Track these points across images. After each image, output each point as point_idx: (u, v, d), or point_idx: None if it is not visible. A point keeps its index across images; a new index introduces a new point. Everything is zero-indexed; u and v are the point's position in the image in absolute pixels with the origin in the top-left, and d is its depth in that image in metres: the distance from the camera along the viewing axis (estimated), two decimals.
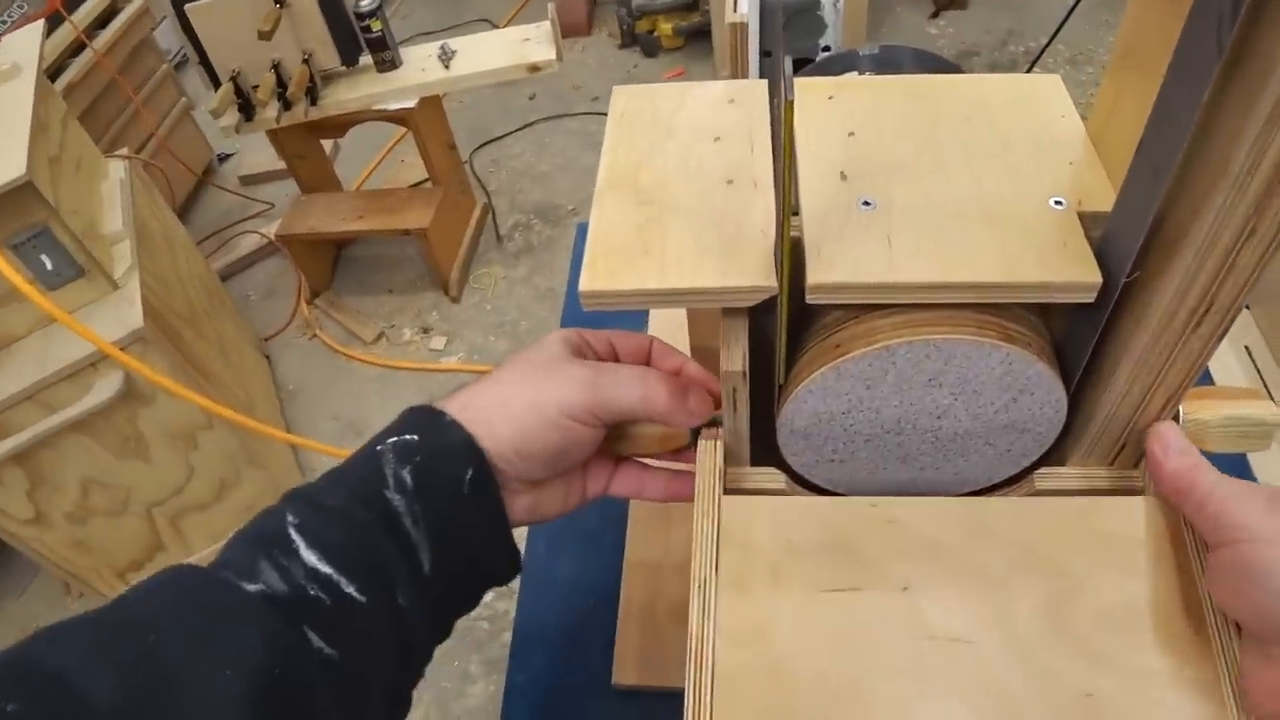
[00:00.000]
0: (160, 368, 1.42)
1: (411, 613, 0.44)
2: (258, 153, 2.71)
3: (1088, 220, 0.44)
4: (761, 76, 0.62)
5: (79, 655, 0.36)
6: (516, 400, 0.48)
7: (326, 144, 2.48)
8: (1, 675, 0.35)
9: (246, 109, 1.90)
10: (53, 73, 2.05)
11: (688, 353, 0.56)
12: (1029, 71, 2.18)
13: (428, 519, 0.45)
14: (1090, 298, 0.42)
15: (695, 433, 0.52)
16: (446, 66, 1.99)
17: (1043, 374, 0.45)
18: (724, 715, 0.42)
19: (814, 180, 0.47)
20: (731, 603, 0.45)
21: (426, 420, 0.47)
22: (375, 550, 0.43)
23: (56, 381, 1.37)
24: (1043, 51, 2.14)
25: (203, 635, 0.38)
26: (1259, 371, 0.80)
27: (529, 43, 2.02)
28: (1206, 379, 0.82)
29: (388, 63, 1.97)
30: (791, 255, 0.43)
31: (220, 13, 1.77)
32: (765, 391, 0.50)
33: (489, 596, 0.52)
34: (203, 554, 1.75)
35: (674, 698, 0.43)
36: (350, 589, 0.41)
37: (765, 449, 0.52)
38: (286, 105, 1.90)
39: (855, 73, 0.62)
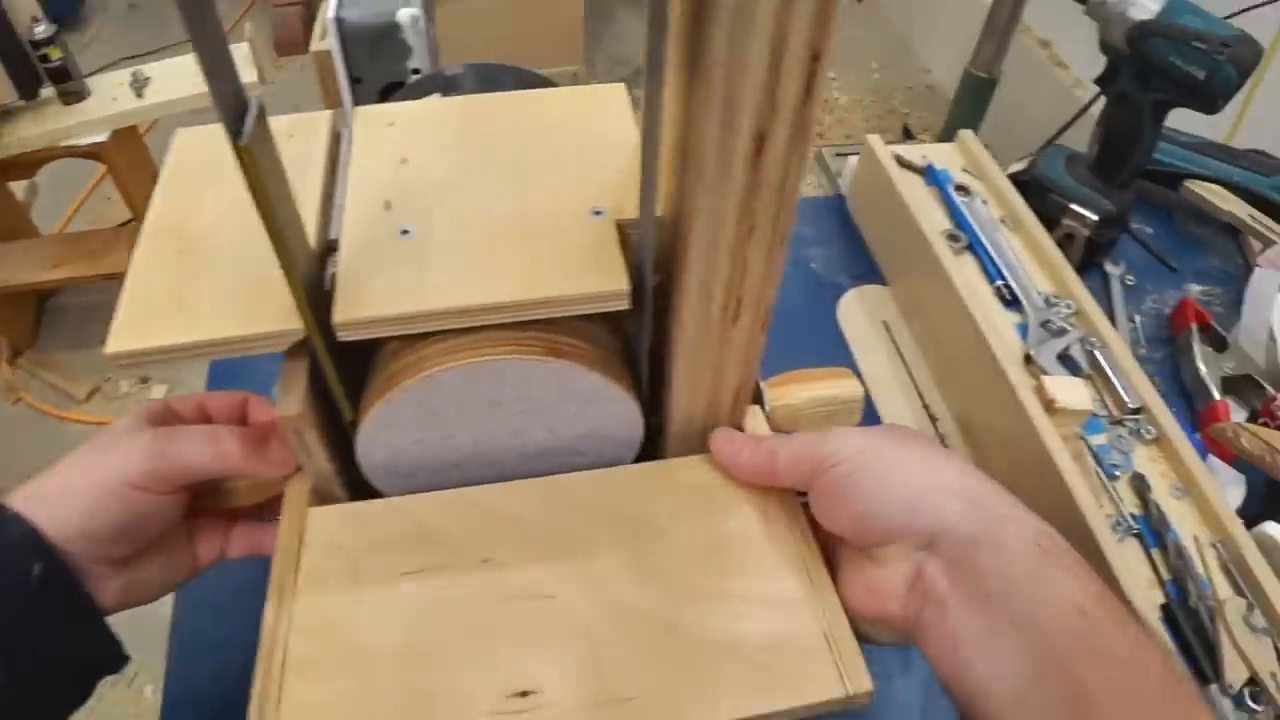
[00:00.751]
0: None
1: None
2: None
3: (629, 228, 0.45)
4: (356, 103, 0.60)
5: None
6: (77, 479, 0.45)
7: (18, 186, 2.27)
8: None
9: None
10: None
11: None
12: None
13: None
14: (623, 304, 0.43)
15: None
16: (140, 95, 1.87)
17: (600, 383, 0.46)
18: (293, 701, 0.41)
19: (357, 212, 0.46)
20: (309, 600, 0.44)
21: None
22: None
23: None
24: None
25: None
26: (895, 343, 0.86)
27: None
28: (845, 356, 0.87)
29: (73, 94, 1.83)
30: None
31: None
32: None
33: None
34: None
35: None
36: None
37: (367, 488, 0.51)
38: None
39: (440, 94, 0.62)
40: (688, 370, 0.46)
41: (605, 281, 0.42)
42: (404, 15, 0.66)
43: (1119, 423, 0.75)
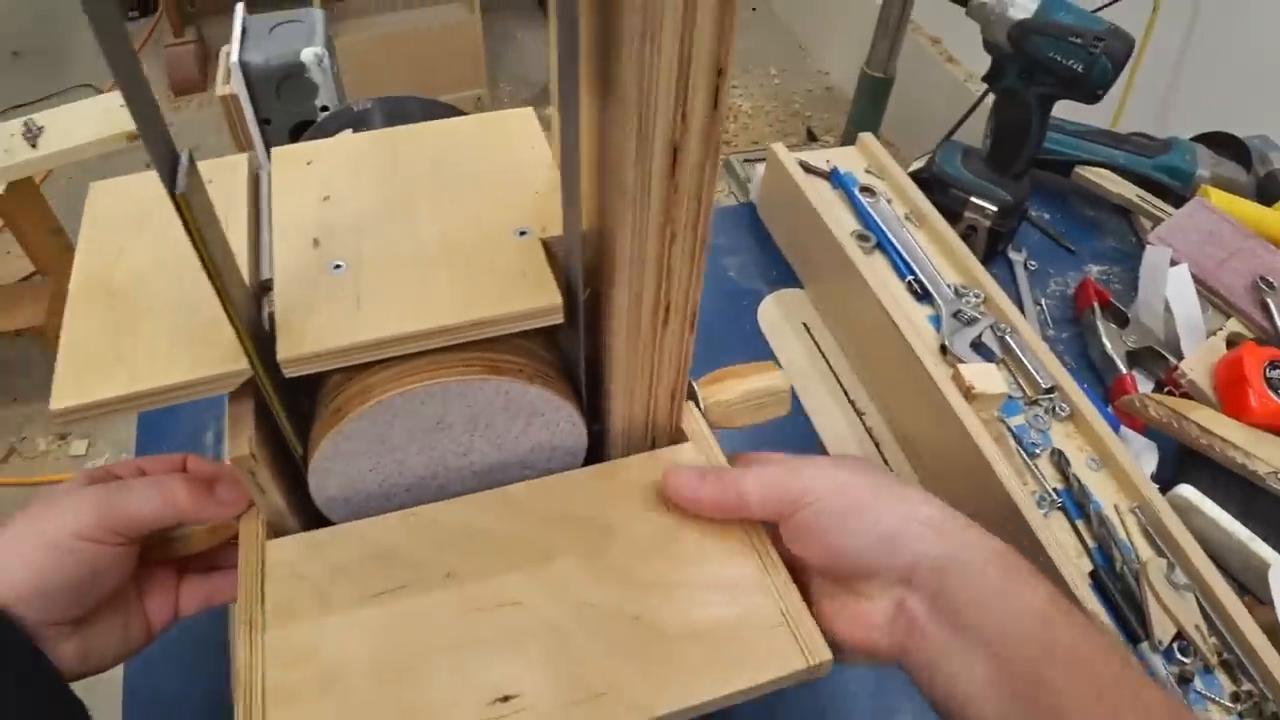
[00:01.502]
0: None
1: None
2: None
3: (555, 245, 0.47)
4: (267, 144, 0.61)
5: None
6: (25, 538, 0.45)
7: None
8: None
9: None
10: None
11: None
12: None
13: None
14: (558, 319, 0.45)
15: None
16: (33, 145, 1.81)
17: (542, 396, 0.47)
18: None
19: (286, 251, 0.46)
20: (280, 630, 0.45)
21: None
22: None
23: None
24: None
25: None
26: (816, 343, 0.88)
27: (125, 108, 1.88)
28: (768, 359, 0.89)
29: None
30: (274, 330, 0.43)
31: None
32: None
33: None
34: None
35: None
36: None
37: (322, 520, 0.51)
38: None
39: (351, 129, 0.63)
40: (624, 375, 0.48)
41: (538, 298, 0.44)
42: (308, 55, 0.66)
43: (1034, 403, 0.79)
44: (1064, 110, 0.95)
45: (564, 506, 0.50)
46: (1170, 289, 0.89)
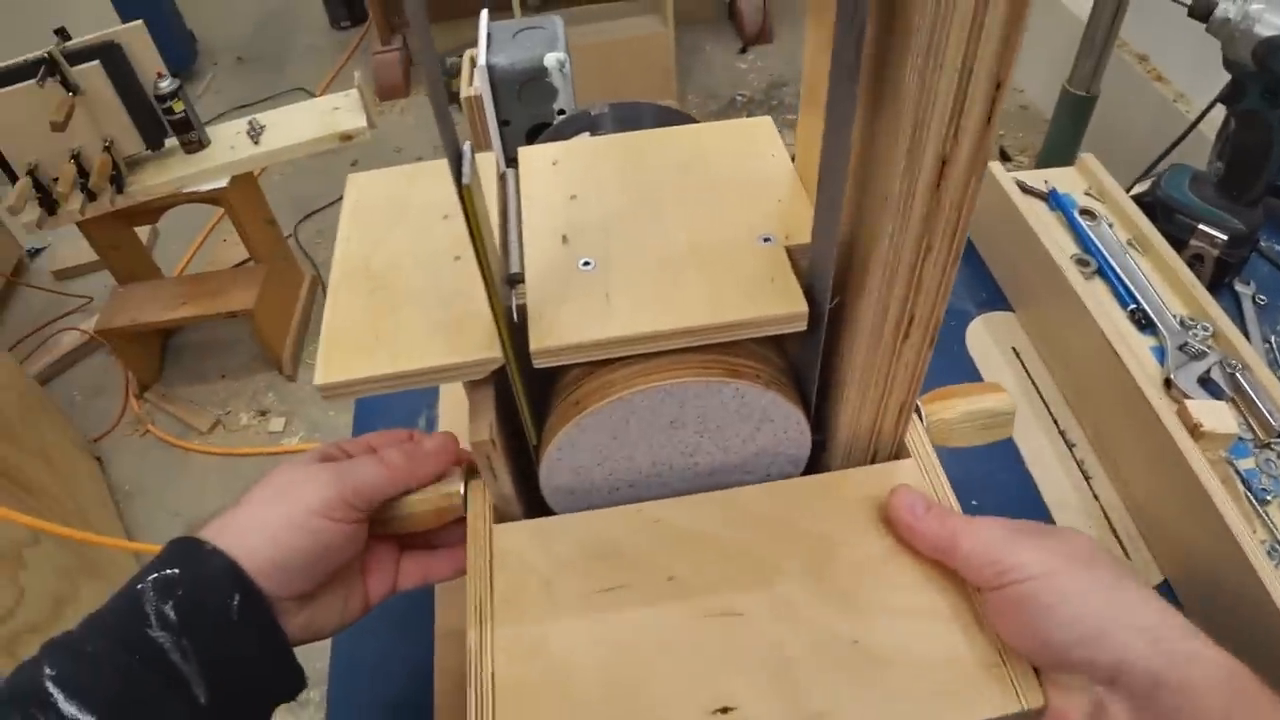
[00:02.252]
0: None
1: None
2: (70, 245, 2.59)
3: (797, 253, 0.47)
4: (505, 145, 0.63)
5: None
6: (267, 513, 0.48)
7: (142, 230, 2.39)
8: None
9: (48, 202, 1.81)
10: None
11: None
12: None
13: (199, 651, 0.44)
14: (802, 326, 0.45)
15: None
16: (256, 142, 1.95)
17: (775, 401, 0.47)
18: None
19: (536, 247, 0.48)
20: (508, 619, 0.46)
21: (186, 551, 0.46)
22: (141, 692, 0.42)
23: None
24: None
25: None
26: (1026, 370, 0.85)
27: (339, 111, 2.00)
28: (976, 377, 0.87)
29: (195, 143, 1.92)
30: (522, 321, 0.45)
31: (9, 104, 1.69)
32: (530, 452, 0.51)
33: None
34: None
35: None
36: None
37: (543, 507, 0.53)
38: (91, 195, 1.82)
39: (588, 133, 0.65)
40: (859, 386, 0.48)
41: (785, 304, 0.44)
42: (551, 60, 0.69)
43: (1267, 446, 0.74)
44: None
45: (787, 516, 0.50)
46: None
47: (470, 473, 0.52)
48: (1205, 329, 0.80)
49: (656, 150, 0.54)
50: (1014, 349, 0.89)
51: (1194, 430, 0.69)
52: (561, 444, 0.47)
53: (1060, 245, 0.86)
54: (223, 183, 2.02)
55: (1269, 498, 0.71)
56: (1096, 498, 0.77)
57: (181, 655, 0.43)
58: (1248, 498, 0.71)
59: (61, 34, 1.72)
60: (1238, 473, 0.72)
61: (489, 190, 0.53)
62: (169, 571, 0.45)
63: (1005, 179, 0.92)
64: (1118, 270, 0.85)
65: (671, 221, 0.49)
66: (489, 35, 0.68)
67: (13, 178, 1.77)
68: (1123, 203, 0.92)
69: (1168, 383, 0.77)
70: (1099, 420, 0.80)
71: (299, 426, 2.15)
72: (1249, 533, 0.63)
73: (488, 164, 0.55)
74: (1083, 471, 0.78)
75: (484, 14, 0.67)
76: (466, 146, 0.38)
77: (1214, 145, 0.94)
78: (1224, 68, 0.87)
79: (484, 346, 0.44)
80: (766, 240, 0.47)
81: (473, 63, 0.64)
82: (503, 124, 0.67)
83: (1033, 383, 0.85)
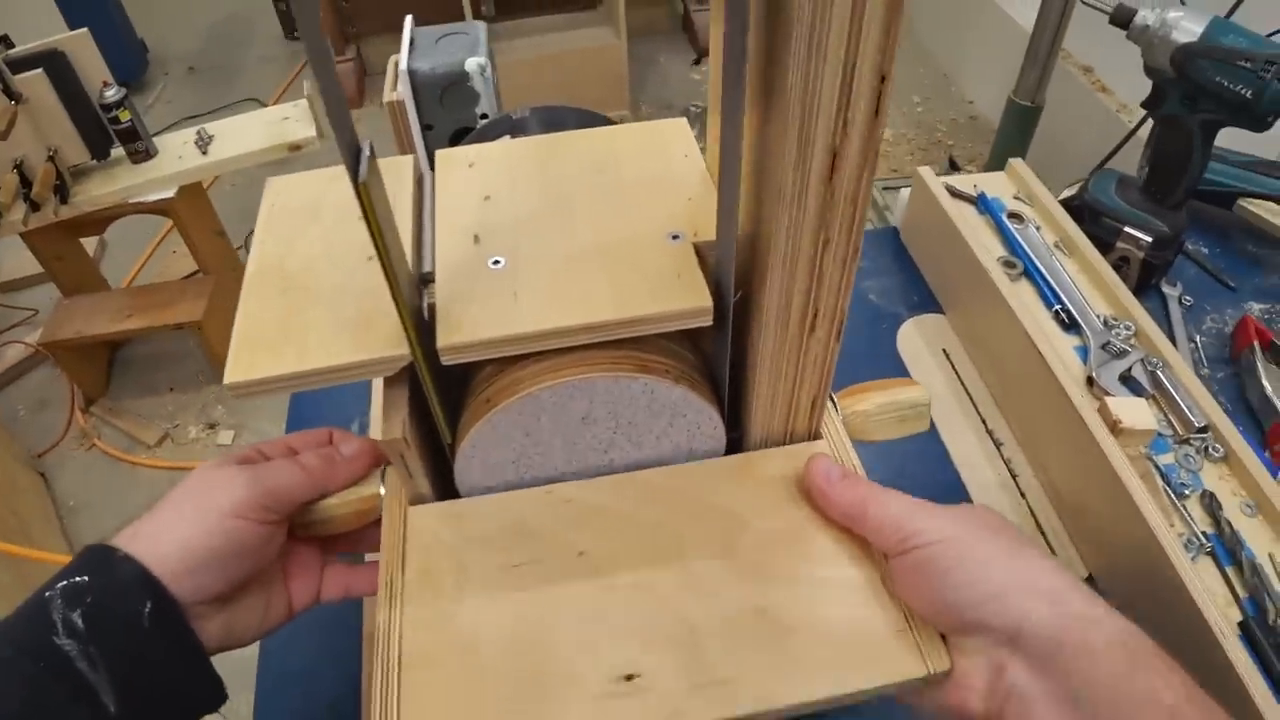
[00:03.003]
0: None
1: None
2: (14, 256, 2.54)
3: (705, 250, 0.48)
4: (428, 148, 0.63)
5: None
6: (180, 517, 0.47)
7: (90, 242, 2.37)
8: None
9: None
10: None
11: None
12: None
13: (107, 659, 0.43)
14: (708, 321, 0.46)
15: None
16: (204, 152, 1.94)
17: (686, 397, 0.48)
18: (413, 696, 0.43)
19: (448, 246, 0.48)
20: (419, 597, 0.47)
21: (97, 559, 0.46)
22: (46, 700, 0.42)
23: None
24: None
25: None
26: (956, 370, 0.87)
27: (288, 121, 1.99)
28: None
29: (141, 153, 1.90)
30: (433, 320, 0.45)
31: None
32: (446, 451, 0.51)
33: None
34: None
35: None
36: None
37: None
38: (34, 206, 1.80)
39: (510, 136, 0.66)
40: (768, 379, 0.48)
41: (691, 299, 0.45)
42: (472, 64, 0.69)
43: (1185, 442, 0.75)
44: (1227, 139, 0.91)
45: (698, 494, 0.51)
46: None
47: (387, 465, 0.52)
48: (1128, 328, 0.82)
49: (572, 151, 0.54)
50: (944, 350, 0.90)
51: (1114, 426, 0.71)
52: (475, 441, 0.48)
53: (987, 248, 0.87)
54: (170, 193, 2.00)
55: (1187, 492, 0.72)
56: (1023, 495, 0.78)
57: (89, 663, 0.43)
58: (1166, 492, 0.72)
59: (4, 41, 1.70)
60: (1157, 468, 0.74)
61: (406, 193, 0.53)
62: (78, 579, 0.44)
63: (935, 183, 0.94)
64: (1043, 272, 0.87)
65: (582, 221, 0.49)
66: (411, 40, 0.68)
67: None
68: (1050, 207, 0.94)
69: (1090, 381, 0.78)
70: (1025, 419, 0.81)
71: (248, 439, 2.13)
72: (1166, 526, 0.64)
73: (406, 167, 0.55)
74: (1010, 469, 0.80)
75: (408, 19, 0.68)
76: (366, 144, 0.38)
77: (1143, 151, 0.96)
78: (1145, 74, 0.89)
79: (391, 344, 0.44)
80: (675, 238, 0.48)
81: (396, 68, 0.64)
82: (426, 128, 0.67)
83: (962, 383, 0.87)
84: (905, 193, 1.01)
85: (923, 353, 0.90)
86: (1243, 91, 0.81)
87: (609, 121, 0.68)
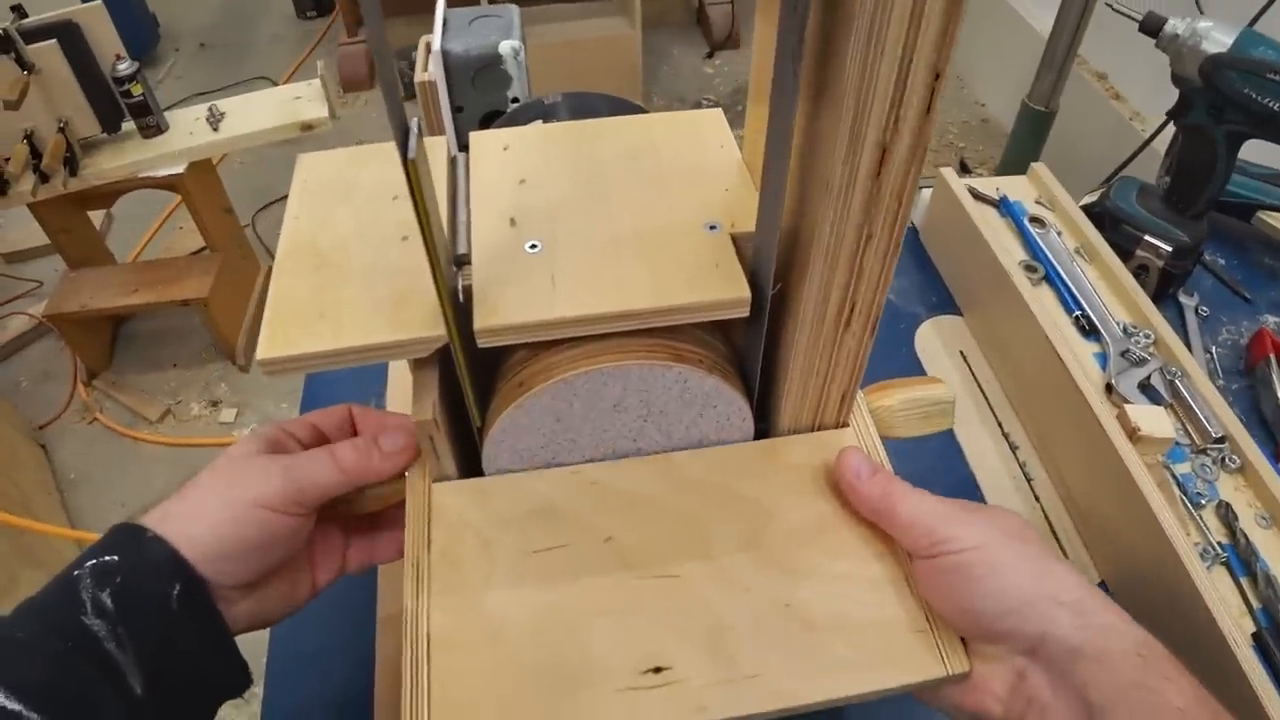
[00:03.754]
0: None
1: None
2: (21, 227, 2.54)
3: (742, 241, 0.48)
4: (458, 130, 0.63)
5: None
6: (211, 502, 0.47)
7: (96, 215, 2.36)
8: None
9: None
10: None
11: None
12: None
13: (135, 640, 0.43)
14: (745, 312, 0.45)
15: None
16: (215, 129, 1.93)
17: (718, 387, 0.48)
18: (442, 678, 0.43)
19: (484, 228, 0.48)
20: (445, 577, 0.47)
21: (127, 538, 0.45)
22: (72, 680, 0.41)
23: None
24: None
25: None
26: (973, 372, 0.87)
27: (300, 100, 1.99)
28: None
29: (152, 128, 1.89)
30: (468, 302, 0.45)
31: None
32: (474, 435, 0.51)
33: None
34: None
35: None
36: None
37: None
38: (44, 177, 1.79)
39: (542, 120, 0.65)
40: (800, 372, 0.49)
41: (728, 290, 0.45)
42: (506, 47, 0.69)
43: (1203, 451, 0.75)
44: (1247, 151, 0.91)
45: (725, 481, 0.51)
46: None
47: None
48: (1147, 336, 0.82)
49: (607, 138, 0.54)
50: (961, 352, 0.90)
51: (1132, 434, 0.71)
52: (505, 425, 0.47)
53: (1009, 251, 0.87)
54: (180, 169, 2.00)
55: (1203, 501, 0.72)
56: (1037, 499, 0.78)
57: (117, 644, 0.42)
58: (1183, 501, 0.72)
59: (18, 11, 1.69)
60: (1174, 477, 0.74)
61: (439, 174, 0.53)
62: (108, 558, 0.44)
63: (958, 185, 0.94)
64: (1064, 277, 0.87)
65: (619, 207, 0.49)
66: (445, 21, 0.68)
67: None
68: (1072, 212, 0.94)
69: (1109, 388, 0.78)
70: (1042, 423, 0.81)
71: (251, 418, 2.13)
72: (1183, 535, 0.64)
73: (440, 148, 0.55)
74: (1025, 473, 0.80)
75: (440, 1, 0.67)
76: (414, 123, 0.38)
77: (1163, 159, 0.96)
78: (1172, 83, 0.89)
79: (428, 325, 0.44)
80: (712, 228, 0.48)
81: (428, 48, 0.64)
82: (456, 110, 0.67)
83: (979, 385, 0.87)
84: (926, 193, 1.01)
85: (940, 354, 0.90)
86: (1270, 104, 0.81)
87: (638, 109, 0.68)
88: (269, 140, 1.94)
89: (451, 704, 0.43)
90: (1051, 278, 0.87)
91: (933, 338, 0.92)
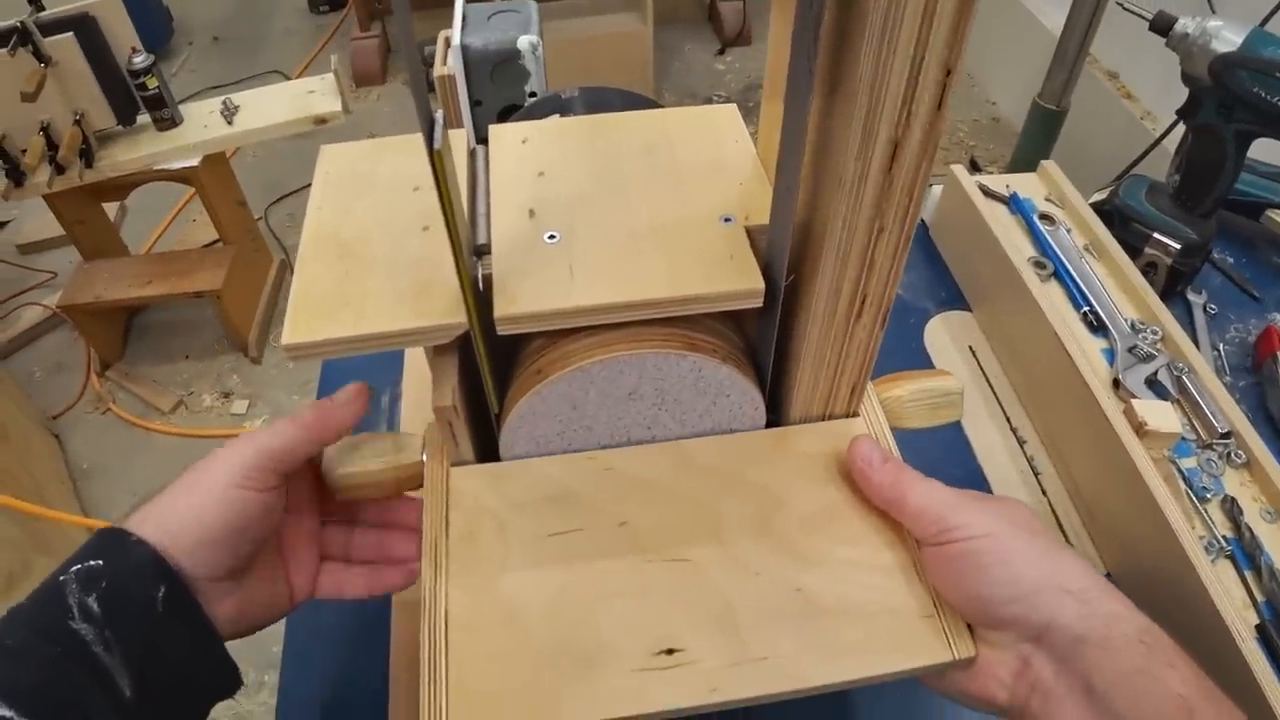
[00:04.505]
0: None
1: None
2: (36, 219, 2.56)
3: (755, 234, 0.49)
4: (476, 124, 0.64)
5: None
6: (188, 495, 0.48)
7: (110, 207, 2.37)
8: None
9: (15, 174, 1.80)
10: None
11: None
12: None
13: (123, 644, 0.43)
14: (758, 302, 0.46)
15: None
16: (229, 122, 1.95)
17: (732, 377, 0.49)
18: (459, 659, 0.44)
19: (503, 219, 0.49)
20: (462, 557, 0.48)
21: (111, 542, 0.46)
22: (61, 685, 0.41)
23: None
24: None
25: None
26: (981, 367, 0.87)
27: (314, 94, 2.00)
28: None
29: (167, 120, 1.91)
30: (487, 291, 0.46)
31: None
32: (491, 422, 0.52)
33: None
34: None
35: None
36: None
37: None
38: (59, 169, 1.81)
39: (559, 115, 0.66)
40: (812, 364, 0.49)
41: (742, 281, 0.46)
42: (524, 42, 0.70)
43: (1208, 447, 0.76)
44: (1259, 150, 0.91)
45: (737, 467, 0.52)
46: None
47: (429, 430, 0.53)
48: (1155, 333, 0.83)
49: (624, 132, 0.55)
50: (970, 347, 0.91)
51: (1139, 428, 0.71)
52: (522, 412, 0.48)
53: (1018, 248, 0.88)
54: (194, 161, 2.01)
55: (1209, 496, 0.73)
56: (1044, 492, 0.79)
57: (105, 648, 0.43)
58: (1189, 495, 0.73)
59: (35, 4, 1.71)
60: (1180, 471, 0.75)
61: (459, 166, 0.54)
62: (93, 563, 0.44)
63: (968, 181, 0.94)
64: (1073, 274, 0.87)
65: (636, 199, 0.50)
66: (464, 17, 0.69)
67: None
68: (1081, 209, 0.94)
69: (1116, 383, 0.79)
70: (1049, 417, 0.82)
71: (262, 410, 2.14)
72: (1188, 529, 0.65)
73: (459, 140, 0.56)
74: (1032, 467, 0.81)
75: None
76: (438, 114, 0.39)
77: (1173, 158, 0.96)
78: (1182, 82, 0.89)
79: (449, 312, 0.45)
80: (727, 220, 0.49)
81: (447, 43, 0.65)
82: (475, 104, 0.68)
83: (987, 380, 0.87)
84: (936, 190, 1.02)
85: (949, 349, 0.91)
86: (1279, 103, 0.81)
87: (653, 104, 0.69)
88: (283, 134, 1.95)
89: (468, 683, 0.44)
90: (1060, 274, 0.88)
91: (942, 333, 0.93)
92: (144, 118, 1.89)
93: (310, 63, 3.26)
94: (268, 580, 0.52)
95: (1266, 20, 1.29)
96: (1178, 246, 0.92)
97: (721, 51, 3.20)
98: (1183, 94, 0.91)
